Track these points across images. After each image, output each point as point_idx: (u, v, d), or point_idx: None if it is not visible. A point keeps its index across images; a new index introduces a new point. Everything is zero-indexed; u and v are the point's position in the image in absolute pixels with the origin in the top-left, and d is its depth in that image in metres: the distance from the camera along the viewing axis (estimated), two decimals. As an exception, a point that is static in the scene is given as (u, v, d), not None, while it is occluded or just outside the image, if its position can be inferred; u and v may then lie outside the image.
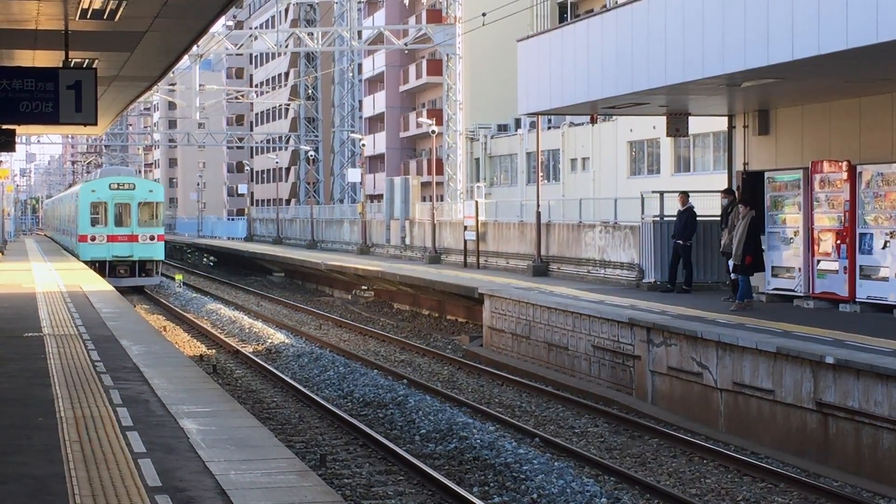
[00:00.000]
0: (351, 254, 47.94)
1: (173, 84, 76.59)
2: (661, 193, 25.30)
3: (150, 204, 43.26)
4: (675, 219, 23.62)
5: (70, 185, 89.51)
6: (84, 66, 19.82)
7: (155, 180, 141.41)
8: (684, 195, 23.61)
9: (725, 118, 24.55)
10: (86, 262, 41.35)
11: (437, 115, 57.89)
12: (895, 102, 19.37)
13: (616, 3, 22.81)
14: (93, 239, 42.66)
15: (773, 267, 20.77)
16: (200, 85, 58.56)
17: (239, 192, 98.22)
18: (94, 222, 42.93)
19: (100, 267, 41.17)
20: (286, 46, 58.06)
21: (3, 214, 62.22)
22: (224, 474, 8.94)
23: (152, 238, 42.67)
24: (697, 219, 23.44)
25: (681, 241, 23.19)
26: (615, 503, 11.97)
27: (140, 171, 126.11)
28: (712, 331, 16.63)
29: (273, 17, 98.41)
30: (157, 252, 43.08)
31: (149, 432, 10.49)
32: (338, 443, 15.48)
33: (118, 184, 43.47)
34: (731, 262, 20.20)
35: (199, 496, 8.32)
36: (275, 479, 8.90)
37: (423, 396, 18.44)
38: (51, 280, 32.54)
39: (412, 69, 73.20)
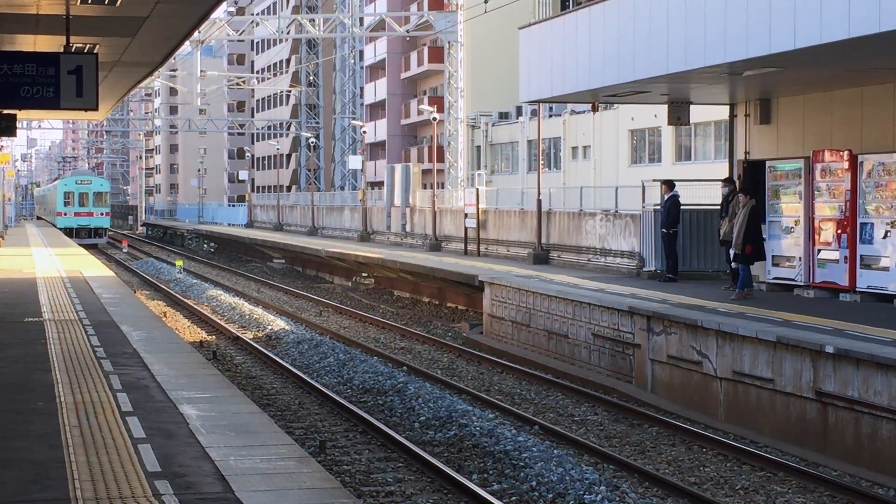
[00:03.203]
0: (351, 241, 47.94)
1: (174, 70, 76.54)
2: (662, 182, 25.27)
3: (101, 193, 69.23)
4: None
5: (54, 180, 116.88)
6: (85, 51, 19.79)
7: (158, 166, 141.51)
8: (668, 184, 23.54)
9: (727, 107, 24.51)
10: (60, 229, 65.85)
11: (438, 102, 57.89)
12: (897, 92, 19.36)
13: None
14: (65, 214, 68.23)
15: (773, 256, 20.76)
16: (201, 71, 58.48)
17: (240, 178, 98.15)
18: (66, 204, 68.29)
19: (68, 231, 64.74)
20: (287, 33, 57.95)
21: (3, 200, 62.54)
22: (224, 460, 8.95)
23: (101, 214, 68.85)
24: (681, 207, 23.34)
25: (664, 230, 23.16)
26: (614, 491, 11.97)
27: (141, 157, 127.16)
28: (712, 320, 16.63)
29: (274, 3, 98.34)
30: (105, 223, 69.63)
31: (148, 418, 10.51)
32: (337, 429, 15.49)
33: (81, 180, 70.37)
34: (731, 251, 20.19)
35: (199, 482, 8.33)
36: (274, 465, 8.91)
37: (423, 384, 18.45)
38: (51, 265, 32.56)
39: (413, 56, 73.10)
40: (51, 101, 15.73)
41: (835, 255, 19.42)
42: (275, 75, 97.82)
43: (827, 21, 15.42)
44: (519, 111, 57.91)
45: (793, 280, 20.44)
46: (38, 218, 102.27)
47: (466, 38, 54.86)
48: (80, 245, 50.24)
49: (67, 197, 68.13)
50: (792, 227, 20.45)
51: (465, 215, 36.21)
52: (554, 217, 30.42)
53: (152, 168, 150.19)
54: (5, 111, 18.40)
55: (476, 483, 12.35)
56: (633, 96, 24.23)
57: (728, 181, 21.64)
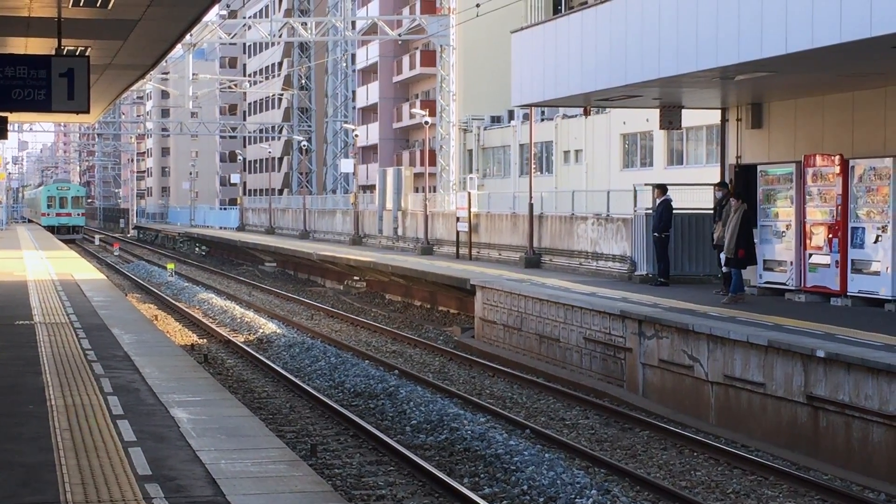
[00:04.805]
0: (343, 244, 47.92)
1: (166, 73, 76.55)
2: (654, 186, 25.29)
3: (77, 197, 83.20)
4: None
5: (38, 185, 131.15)
6: (77, 53, 19.78)
7: (150, 169, 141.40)
8: (660, 188, 23.55)
9: (718, 111, 24.55)
10: (44, 227, 79.15)
11: (430, 106, 57.89)
12: (888, 97, 19.39)
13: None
14: (48, 215, 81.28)
15: (764, 260, 20.79)
16: (193, 74, 58.40)
17: (231, 181, 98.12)
18: (48, 206, 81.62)
19: (51, 229, 76.86)
20: (280, 36, 57.93)
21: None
22: (214, 463, 8.94)
23: (78, 214, 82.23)
24: (673, 211, 23.35)
25: (656, 234, 23.17)
26: (605, 495, 11.97)
27: (132, 161, 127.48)
28: (704, 324, 16.64)
29: (267, 6, 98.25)
30: (80, 221, 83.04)
31: (139, 421, 10.49)
32: (329, 433, 15.48)
33: (61, 186, 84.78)
34: (723, 256, 20.21)
35: (190, 485, 8.32)
36: (265, 468, 8.90)
37: (415, 387, 18.44)
38: (42, 268, 32.50)
39: (406, 60, 73.13)
40: (42, 103, 15.70)
41: (826, 259, 19.45)
42: (267, 78, 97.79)
43: (818, 26, 15.45)
44: (511, 115, 57.96)
45: (784, 284, 20.46)
46: (29, 221, 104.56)
47: (459, 42, 54.89)
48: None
49: (50, 200, 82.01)
50: (783, 232, 20.48)
51: (457, 219, 36.22)
52: (546, 221, 30.43)
53: (144, 171, 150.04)
54: (-3, 114, 18.36)
55: (467, 487, 12.34)
56: (625, 100, 24.26)
57: (722, 185, 21.66)
